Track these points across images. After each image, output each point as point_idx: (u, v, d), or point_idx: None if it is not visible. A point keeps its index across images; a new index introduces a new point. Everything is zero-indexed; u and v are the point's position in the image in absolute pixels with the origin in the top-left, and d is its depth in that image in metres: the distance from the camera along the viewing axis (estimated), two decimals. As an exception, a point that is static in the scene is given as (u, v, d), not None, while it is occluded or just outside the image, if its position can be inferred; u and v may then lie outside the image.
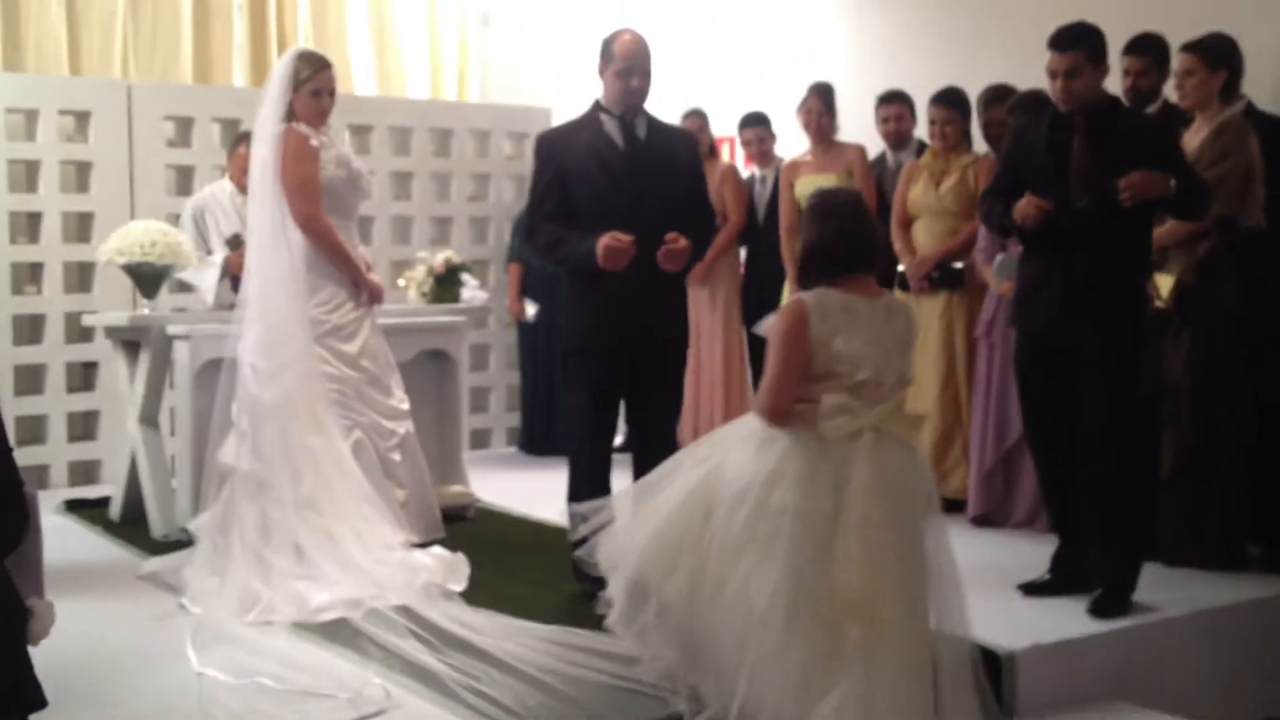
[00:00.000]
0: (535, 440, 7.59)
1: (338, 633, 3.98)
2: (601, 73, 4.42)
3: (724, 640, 3.23)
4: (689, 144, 4.67)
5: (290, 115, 4.80)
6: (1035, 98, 5.23)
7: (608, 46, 4.42)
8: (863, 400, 3.19)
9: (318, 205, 4.82)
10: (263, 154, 4.78)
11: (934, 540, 3.27)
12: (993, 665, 3.72)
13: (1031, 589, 4.36)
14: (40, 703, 1.76)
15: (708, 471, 3.35)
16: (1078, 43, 4.23)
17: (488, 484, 6.27)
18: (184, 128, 7.03)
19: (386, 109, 7.59)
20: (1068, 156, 4.19)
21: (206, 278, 5.77)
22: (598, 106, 4.45)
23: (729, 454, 3.34)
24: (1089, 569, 4.27)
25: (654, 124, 4.47)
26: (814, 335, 3.21)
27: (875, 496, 3.10)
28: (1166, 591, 4.31)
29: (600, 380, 4.37)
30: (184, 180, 6.99)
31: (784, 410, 3.22)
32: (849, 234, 3.32)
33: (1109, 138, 4.18)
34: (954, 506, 5.57)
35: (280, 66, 4.87)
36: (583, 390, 4.38)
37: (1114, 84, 5.31)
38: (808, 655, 3.11)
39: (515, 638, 3.84)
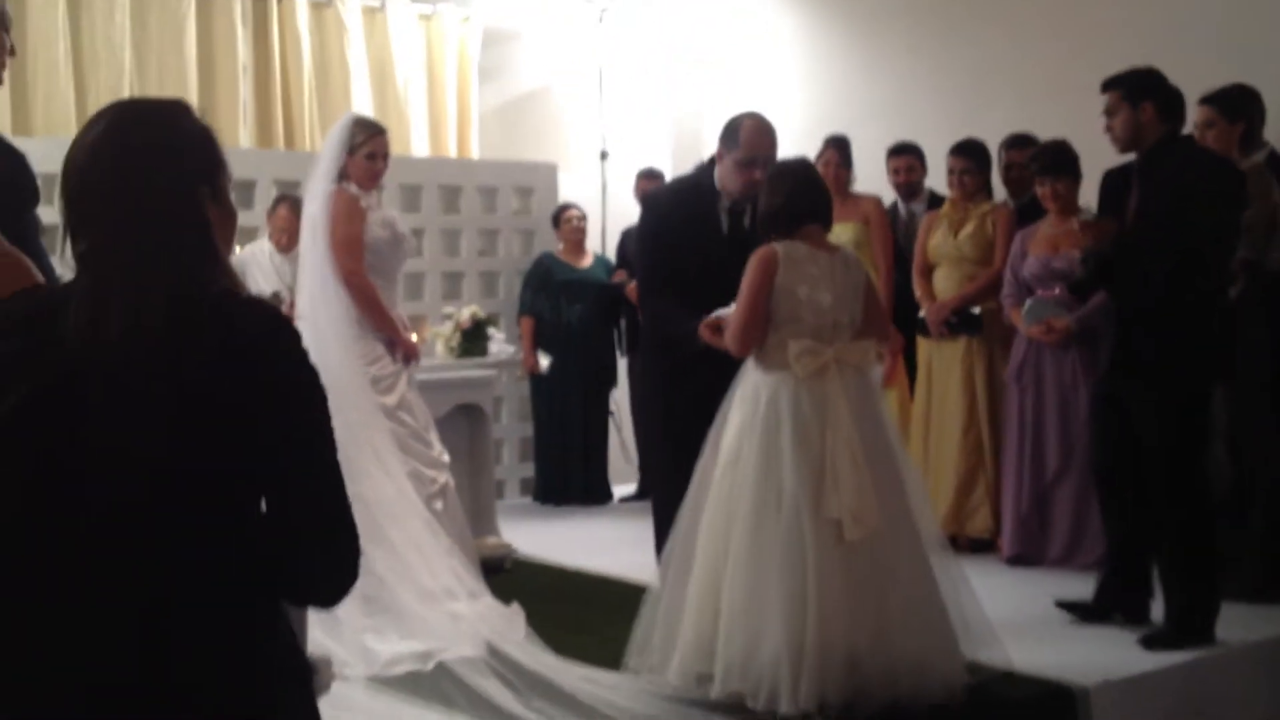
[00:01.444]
0: (551, 490, 7.63)
1: (418, 683, 4.00)
2: (721, 156, 4.36)
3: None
4: None
5: (342, 176, 4.89)
6: (1059, 146, 5.42)
7: (732, 131, 4.34)
8: (823, 340, 3.72)
9: (360, 262, 4.92)
10: (314, 213, 4.89)
11: (894, 445, 3.86)
12: (1066, 701, 3.82)
13: (1069, 607, 4.57)
14: None
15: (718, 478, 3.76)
16: (1114, 83, 4.37)
17: (512, 534, 6.30)
18: (200, 188, 7.04)
19: (395, 168, 7.60)
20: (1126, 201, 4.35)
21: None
22: (710, 180, 4.41)
23: (729, 420, 3.79)
24: (1132, 603, 4.43)
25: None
26: (781, 282, 3.71)
27: (852, 417, 3.65)
28: (1219, 624, 4.43)
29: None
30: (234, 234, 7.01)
31: (750, 344, 3.77)
32: (801, 190, 3.85)
33: (1151, 183, 4.32)
34: (979, 546, 5.70)
35: (336, 131, 4.99)
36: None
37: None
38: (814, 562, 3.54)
39: (594, 683, 3.88)
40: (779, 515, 3.60)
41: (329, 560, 1.68)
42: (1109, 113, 4.47)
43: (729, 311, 3.91)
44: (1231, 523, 4.75)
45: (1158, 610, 4.41)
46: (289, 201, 6.35)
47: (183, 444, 1.58)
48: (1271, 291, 4.77)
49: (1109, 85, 4.44)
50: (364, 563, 4.28)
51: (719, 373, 3.95)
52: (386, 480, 4.64)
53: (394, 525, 4.58)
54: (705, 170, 4.50)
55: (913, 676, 3.60)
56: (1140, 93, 4.36)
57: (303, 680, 1.70)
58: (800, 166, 3.99)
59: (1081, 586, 4.98)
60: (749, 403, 3.75)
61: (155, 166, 1.67)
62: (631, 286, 6.97)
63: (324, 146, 5.00)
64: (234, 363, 1.62)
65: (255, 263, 6.26)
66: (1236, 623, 4.46)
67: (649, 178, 7.44)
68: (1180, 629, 4.24)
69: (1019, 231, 5.64)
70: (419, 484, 4.96)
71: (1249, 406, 4.74)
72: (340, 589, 1.69)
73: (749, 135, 4.31)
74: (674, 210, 4.44)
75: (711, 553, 3.73)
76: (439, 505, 5.03)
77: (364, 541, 4.34)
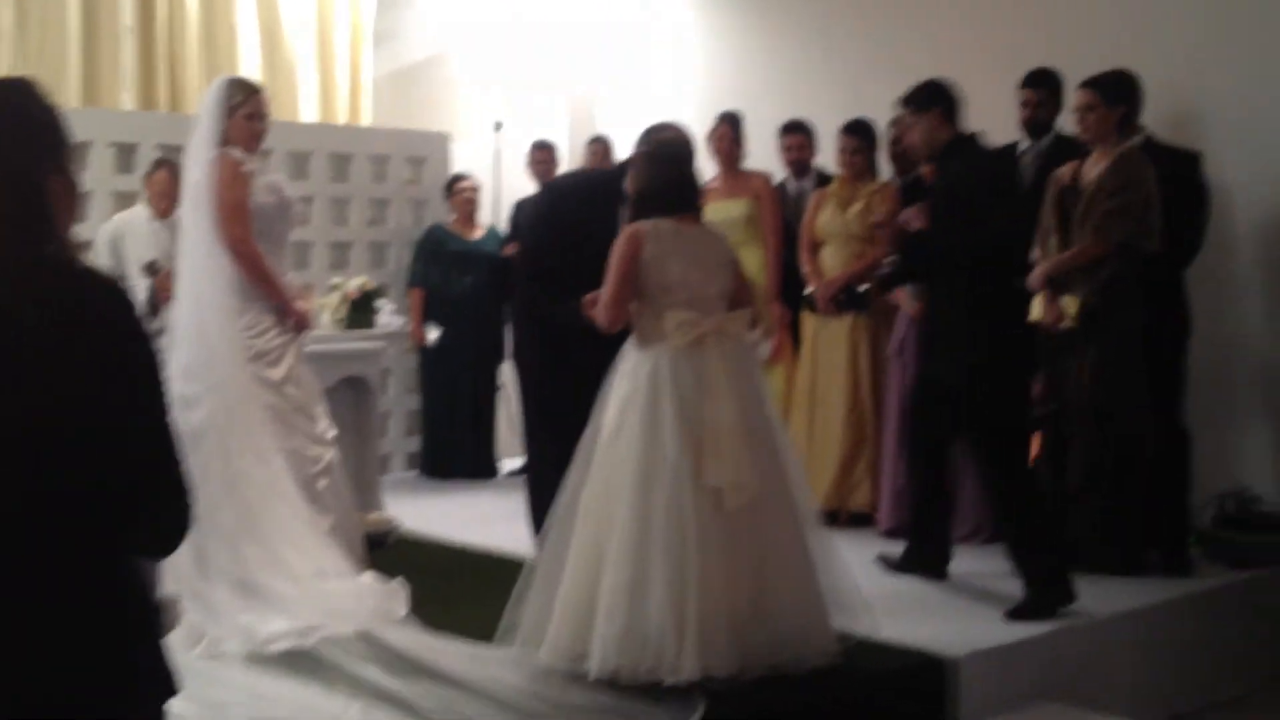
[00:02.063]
0: (438, 464, 7.60)
1: (296, 662, 3.97)
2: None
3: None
4: None
5: (223, 141, 4.79)
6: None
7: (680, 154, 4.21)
8: (697, 311, 3.78)
9: (247, 229, 4.81)
10: (195, 179, 4.76)
11: (772, 413, 3.97)
12: (936, 672, 3.92)
13: (885, 560, 4.98)
14: (173, 690, 1.84)
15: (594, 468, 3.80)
16: (906, 100, 4.78)
17: (396, 509, 6.26)
18: (77, 152, 6.84)
19: (283, 134, 7.50)
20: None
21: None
22: (619, 183, 4.45)
23: (612, 396, 3.83)
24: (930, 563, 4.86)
25: None
26: (648, 257, 3.78)
27: (729, 385, 3.73)
28: (1084, 596, 4.56)
29: None
30: (78, 206, 6.82)
31: (617, 318, 3.84)
32: (670, 179, 3.95)
33: (940, 185, 4.73)
34: (860, 520, 5.81)
35: (211, 93, 4.86)
36: None
37: (1011, 116, 5.64)
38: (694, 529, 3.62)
39: (474, 661, 3.88)
40: (661, 486, 3.64)
41: (162, 514, 1.82)
42: (905, 128, 4.99)
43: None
44: (1102, 498, 4.90)
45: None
46: (167, 165, 6.20)
47: (22, 407, 1.69)
48: (1144, 273, 4.90)
49: (903, 103, 4.86)
50: (236, 547, 4.24)
51: (601, 350, 3.98)
52: (259, 463, 4.55)
53: (267, 508, 4.51)
54: (615, 173, 4.50)
55: (793, 644, 3.71)
56: (927, 102, 4.74)
57: (151, 619, 1.85)
58: (669, 152, 4.08)
59: (955, 559, 5.12)
60: (629, 377, 3.80)
61: (1, 147, 1.79)
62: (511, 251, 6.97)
63: (201, 111, 4.86)
64: (71, 330, 1.73)
65: (132, 230, 6.10)
66: (1103, 595, 4.62)
67: (541, 148, 7.42)
68: (1035, 601, 4.40)
69: (906, 210, 5.71)
70: (301, 462, 4.89)
71: (1119, 384, 4.87)
72: (173, 540, 1.84)
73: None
74: (574, 202, 4.46)
75: (592, 528, 3.76)
76: (322, 484, 4.96)
77: (237, 526, 4.31)
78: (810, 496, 4.11)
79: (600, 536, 3.73)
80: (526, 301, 4.66)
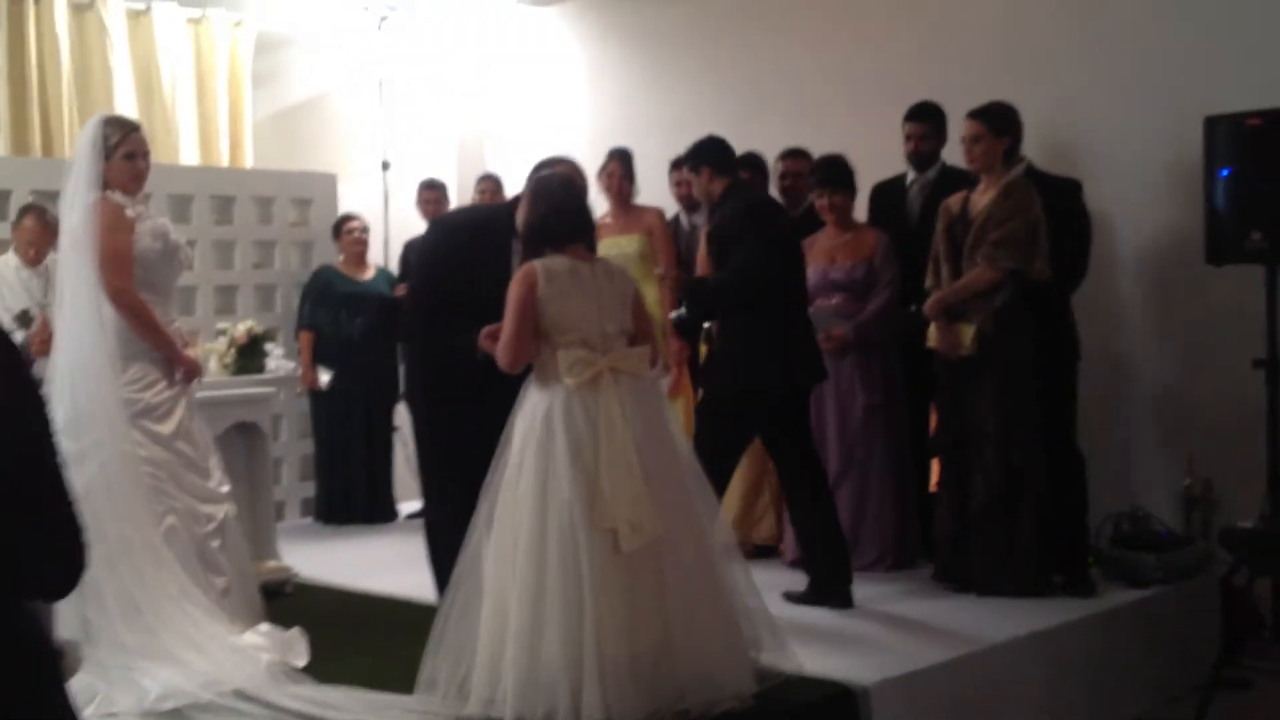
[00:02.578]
0: (333, 510, 7.44)
1: (196, 719, 3.82)
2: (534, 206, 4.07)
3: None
4: None
5: (102, 183, 4.61)
6: (836, 159, 5.59)
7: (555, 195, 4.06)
8: (594, 349, 3.73)
9: (129, 278, 4.62)
10: (73, 225, 4.56)
11: (677, 450, 3.89)
12: (848, 701, 3.90)
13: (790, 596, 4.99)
14: None
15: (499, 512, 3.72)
16: (688, 159, 5.25)
17: (293, 556, 6.09)
18: (-53, 199, 6.62)
19: (164, 176, 7.31)
20: None
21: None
22: (509, 218, 4.41)
23: (512, 438, 3.76)
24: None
25: None
26: (542, 295, 3.72)
27: (625, 423, 3.65)
28: (989, 620, 4.61)
29: None
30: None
31: (519, 361, 3.78)
32: (561, 211, 3.90)
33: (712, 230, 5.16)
34: (763, 552, 5.80)
35: (86, 133, 4.66)
36: None
37: (897, 149, 5.73)
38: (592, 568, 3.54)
39: (380, 712, 3.77)
40: (556, 528, 3.57)
41: (57, 557, 1.82)
42: (688, 184, 5.70)
43: None
44: (1002, 522, 4.95)
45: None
46: (35, 211, 5.99)
47: None
48: (1033, 299, 4.98)
49: (687, 163, 5.34)
50: (122, 612, 4.05)
51: (496, 388, 3.90)
52: (141, 527, 4.35)
53: (151, 572, 4.32)
54: (506, 208, 4.45)
55: (702, 685, 3.63)
56: (696, 163, 5.14)
57: (51, 663, 1.85)
58: (559, 184, 4.05)
59: (860, 587, 5.13)
60: (527, 417, 3.73)
61: None
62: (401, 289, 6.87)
63: (76, 153, 4.66)
64: None
65: (3, 280, 5.87)
66: (1008, 618, 4.65)
67: (430, 188, 7.34)
68: (814, 593, 4.88)
69: (809, 240, 5.74)
70: (193, 521, 4.70)
71: (1015, 410, 4.93)
72: (69, 582, 1.84)
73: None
74: (465, 237, 4.39)
75: (499, 573, 3.67)
76: (214, 544, 4.75)
77: (122, 591, 4.12)
78: (723, 532, 4.05)
79: (505, 580, 3.64)
80: (418, 340, 4.55)
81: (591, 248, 3.96)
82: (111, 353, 4.54)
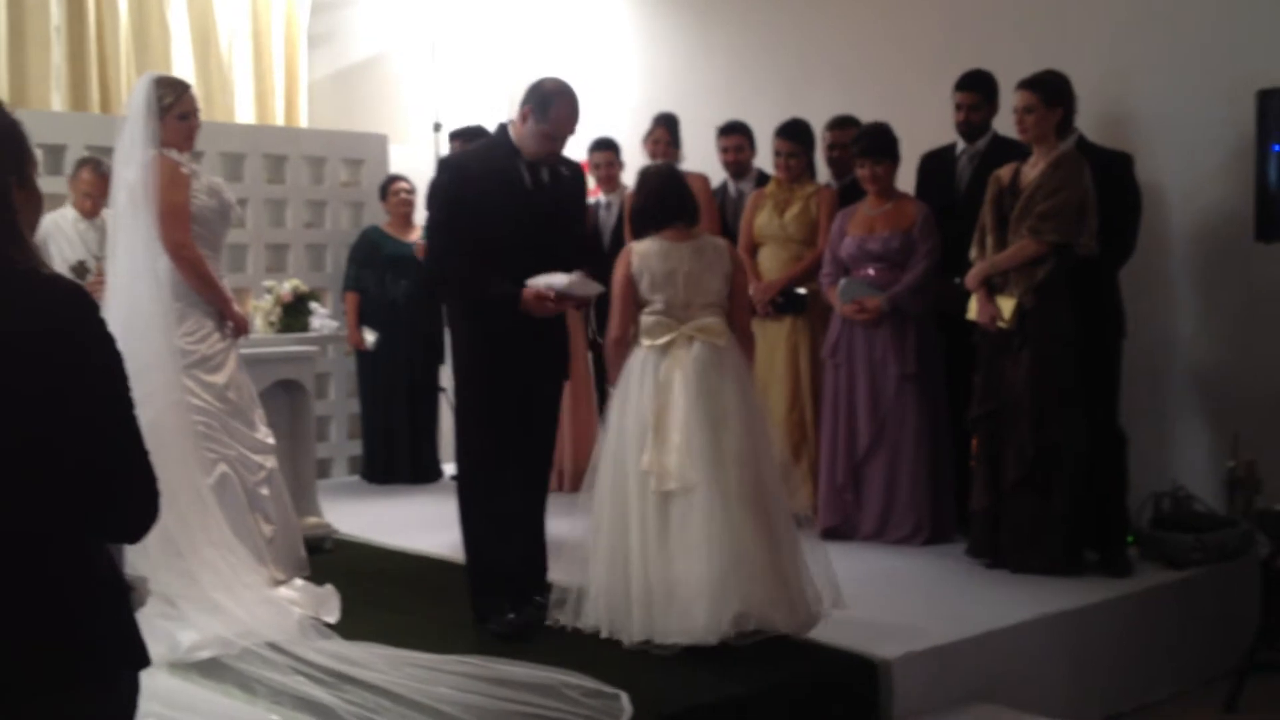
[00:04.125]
0: (377, 469, 7.52)
1: (218, 672, 3.90)
2: (525, 118, 4.30)
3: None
4: (580, 185, 4.66)
5: (156, 141, 4.69)
6: (879, 128, 5.53)
7: (543, 103, 4.28)
8: (674, 317, 4.20)
9: (187, 233, 4.73)
10: (129, 180, 4.64)
11: (749, 411, 4.20)
12: (868, 674, 3.89)
13: None
14: (147, 661, 1.97)
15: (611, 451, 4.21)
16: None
17: (336, 514, 6.18)
18: (3, 153, 6.72)
19: (217, 134, 7.41)
20: None
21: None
22: (507, 139, 4.36)
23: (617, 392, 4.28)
24: None
25: (554, 166, 4.40)
26: (635, 272, 4.26)
27: (683, 383, 4.09)
28: (1018, 597, 4.58)
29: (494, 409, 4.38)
30: (39, 215, 6.69)
31: (623, 330, 4.29)
32: (656, 198, 4.37)
33: None
34: (801, 522, 5.77)
35: (139, 93, 4.74)
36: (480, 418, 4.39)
37: (946, 118, 5.65)
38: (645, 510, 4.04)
39: (401, 669, 3.81)
40: (622, 470, 4.11)
41: (131, 503, 1.94)
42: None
43: (558, 279, 4.16)
44: (1034, 499, 4.91)
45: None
46: (91, 164, 6.08)
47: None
48: (1079, 274, 4.91)
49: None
50: (166, 558, 4.17)
51: (537, 345, 4.23)
52: (192, 473, 4.46)
53: (199, 518, 4.43)
54: (500, 132, 4.43)
55: (739, 623, 3.93)
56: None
57: (122, 596, 1.97)
58: (655, 174, 4.51)
59: (891, 560, 5.11)
60: (624, 373, 4.27)
61: None
62: (421, 246, 6.86)
63: (130, 112, 4.74)
64: (39, 336, 1.84)
65: (59, 231, 5.99)
66: (1039, 595, 4.62)
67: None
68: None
69: (839, 212, 5.72)
70: (245, 469, 4.81)
71: (1052, 385, 4.88)
72: (142, 527, 1.97)
73: (558, 115, 4.29)
74: (474, 169, 4.35)
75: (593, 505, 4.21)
76: (265, 491, 4.89)
77: (167, 537, 4.23)
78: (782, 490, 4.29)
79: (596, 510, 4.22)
80: (448, 286, 4.51)
81: (691, 225, 4.34)
82: (167, 305, 4.64)
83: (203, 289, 4.77)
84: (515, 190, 4.29)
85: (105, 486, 1.91)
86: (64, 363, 1.85)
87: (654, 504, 4.02)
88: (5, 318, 1.83)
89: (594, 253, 4.76)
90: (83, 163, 6.17)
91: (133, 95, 4.82)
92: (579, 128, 4.43)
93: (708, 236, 4.47)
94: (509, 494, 4.36)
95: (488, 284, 4.25)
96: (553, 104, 4.30)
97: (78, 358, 1.86)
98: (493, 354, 4.33)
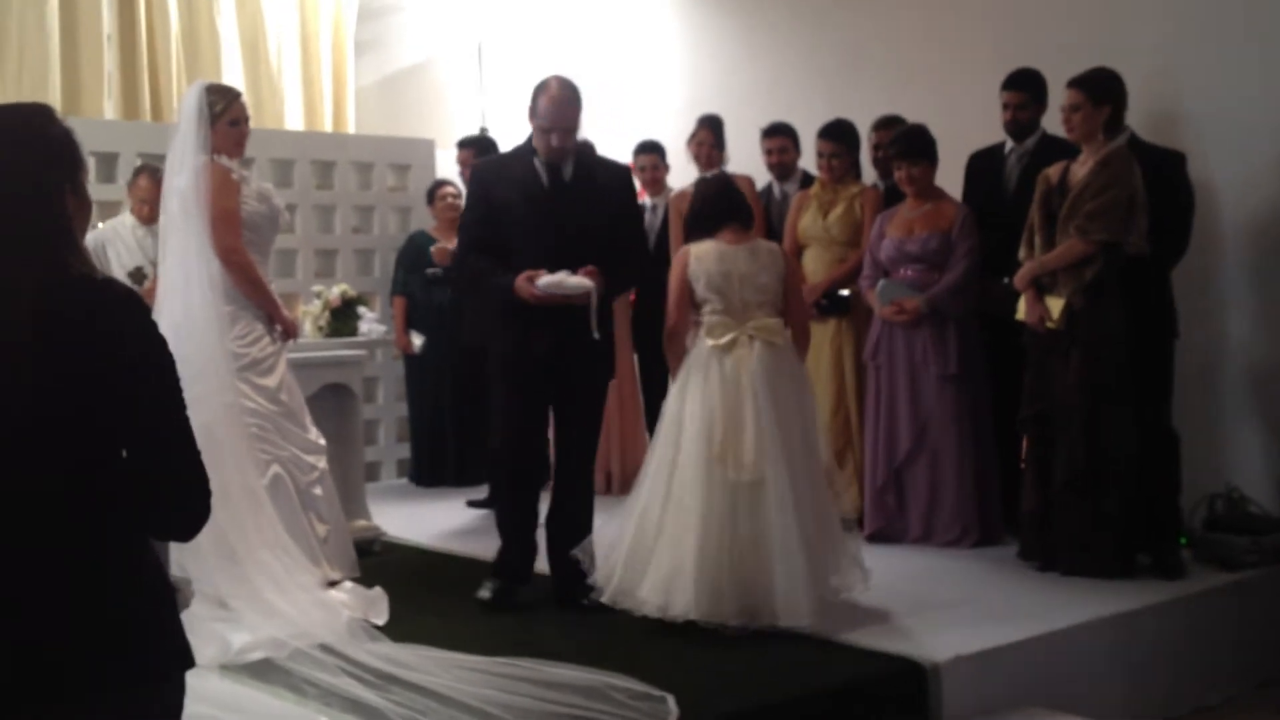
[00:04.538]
0: (424, 472, 7.56)
1: (268, 673, 3.93)
2: (529, 119, 4.59)
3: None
4: (620, 180, 4.80)
5: (208, 148, 4.74)
6: (912, 131, 5.51)
7: (535, 99, 4.58)
8: (733, 317, 4.42)
9: (239, 238, 4.79)
10: (181, 187, 4.70)
11: (804, 408, 4.50)
12: (917, 677, 3.87)
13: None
14: (192, 662, 2.00)
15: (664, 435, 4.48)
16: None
17: (384, 516, 6.23)
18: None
19: (267, 141, 7.49)
20: None
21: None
22: (529, 143, 4.62)
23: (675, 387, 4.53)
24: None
25: (583, 162, 4.62)
26: (691, 273, 4.48)
27: (750, 381, 4.35)
28: (1069, 600, 4.53)
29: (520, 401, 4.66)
30: (89, 222, 6.79)
31: (680, 324, 4.53)
32: (711, 200, 4.64)
33: None
34: (847, 525, 5.74)
35: (190, 100, 4.80)
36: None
37: (994, 117, 5.61)
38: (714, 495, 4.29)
39: (449, 670, 3.83)
40: (683, 457, 4.35)
41: (183, 502, 1.99)
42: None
43: (557, 278, 4.40)
44: (1085, 501, 4.86)
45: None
46: (149, 170, 6.16)
47: (50, 413, 1.87)
48: (1129, 274, 4.86)
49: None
50: (218, 560, 4.21)
51: (549, 326, 4.45)
52: (245, 475, 4.51)
53: (252, 519, 4.48)
54: (528, 137, 4.67)
55: (780, 604, 4.16)
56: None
57: (168, 597, 2.01)
58: (713, 181, 4.91)
59: (940, 562, 5.08)
60: (685, 366, 4.50)
61: (24, 171, 1.95)
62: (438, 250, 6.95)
63: (181, 119, 4.80)
64: (93, 339, 1.89)
65: (118, 237, 6.08)
66: (1090, 598, 4.57)
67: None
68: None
69: (880, 214, 5.69)
70: (297, 470, 4.85)
71: (1101, 386, 4.82)
72: (194, 525, 2.01)
73: (546, 106, 4.54)
74: (498, 174, 4.65)
75: (646, 487, 4.45)
76: (318, 491, 4.93)
77: (220, 538, 4.28)
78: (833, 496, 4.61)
79: (648, 492, 4.45)
80: (468, 285, 4.84)
81: (745, 229, 4.58)
82: (219, 309, 4.69)
83: (253, 293, 4.82)
84: (532, 190, 4.56)
85: (158, 486, 1.95)
86: (117, 365, 1.89)
87: (721, 492, 4.26)
88: (60, 322, 1.88)
89: (632, 243, 4.82)
90: (140, 170, 6.26)
91: (184, 102, 4.88)
92: (620, 127, 4.57)
93: (761, 240, 4.69)
94: (528, 488, 4.69)
95: (492, 275, 4.51)
96: (537, 98, 4.57)
97: (131, 360, 1.91)
98: (518, 351, 4.55)
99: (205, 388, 4.50)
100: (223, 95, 4.87)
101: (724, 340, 4.41)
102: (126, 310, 1.94)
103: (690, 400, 4.40)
